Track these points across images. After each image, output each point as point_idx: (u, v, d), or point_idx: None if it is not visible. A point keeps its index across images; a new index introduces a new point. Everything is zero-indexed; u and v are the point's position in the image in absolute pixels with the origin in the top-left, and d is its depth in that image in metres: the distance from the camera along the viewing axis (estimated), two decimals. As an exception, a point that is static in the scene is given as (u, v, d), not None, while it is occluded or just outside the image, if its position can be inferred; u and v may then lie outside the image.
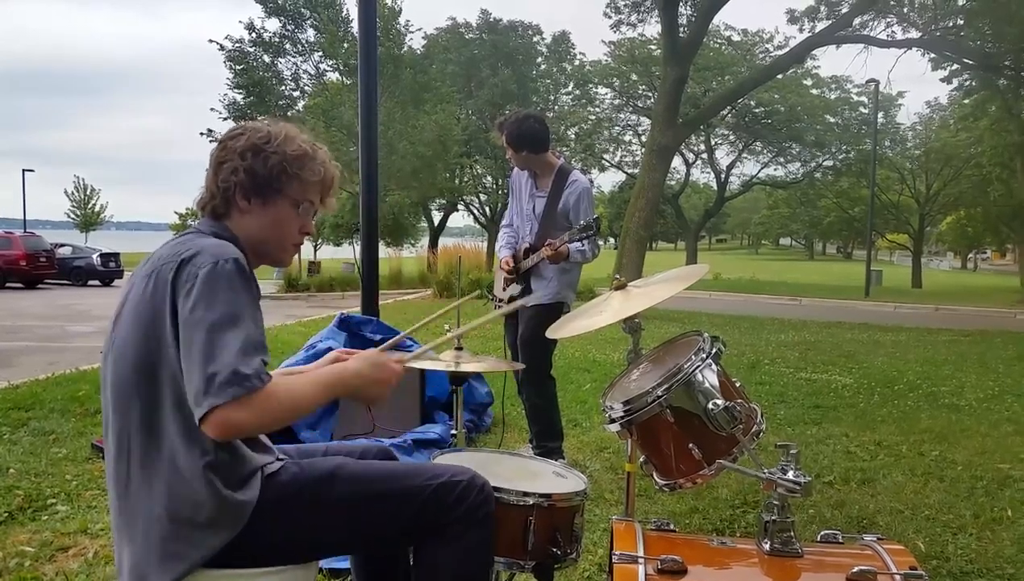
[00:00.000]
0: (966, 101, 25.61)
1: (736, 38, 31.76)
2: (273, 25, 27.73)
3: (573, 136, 34.08)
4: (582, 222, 3.79)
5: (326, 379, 1.70)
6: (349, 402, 4.09)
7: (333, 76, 27.98)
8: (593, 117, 34.97)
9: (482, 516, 1.78)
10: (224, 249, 1.60)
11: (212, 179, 1.76)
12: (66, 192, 50.16)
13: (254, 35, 27.65)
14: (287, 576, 1.72)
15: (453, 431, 2.62)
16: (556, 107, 35.17)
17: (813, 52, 19.93)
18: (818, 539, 1.85)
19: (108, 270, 25.58)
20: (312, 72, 28.83)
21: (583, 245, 3.92)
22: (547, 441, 4.15)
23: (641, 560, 1.67)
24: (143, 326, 1.59)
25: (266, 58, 28.14)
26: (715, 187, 40.41)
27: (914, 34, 18.04)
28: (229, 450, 1.61)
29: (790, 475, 1.73)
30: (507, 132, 4.07)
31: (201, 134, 27.08)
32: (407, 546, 1.90)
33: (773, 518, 1.74)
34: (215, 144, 1.81)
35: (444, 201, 33.37)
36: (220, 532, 1.59)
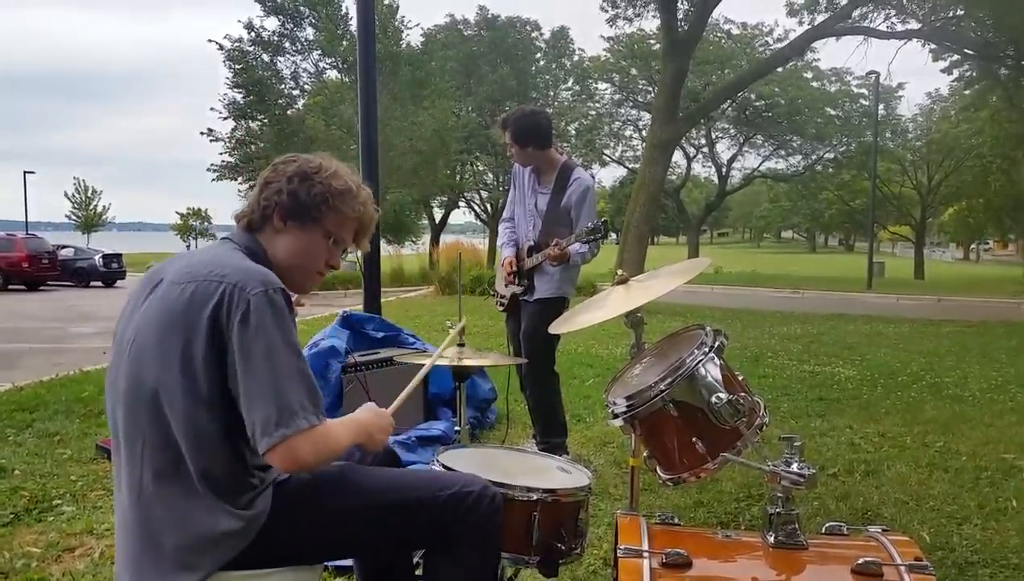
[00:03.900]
0: (967, 92, 25.50)
1: (735, 31, 31.62)
2: (272, 24, 27.68)
3: (573, 132, 34.01)
4: (590, 225, 3.76)
5: (352, 426, 1.75)
6: (352, 400, 4.11)
7: (332, 74, 27.96)
8: (593, 112, 34.89)
9: (492, 527, 1.79)
10: (269, 276, 1.63)
11: (256, 196, 1.81)
12: (66, 194, 50.27)
13: (253, 34, 27.59)
14: (292, 576, 1.73)
15: (457, 427, 2.63)
16: (556, 103, 35.06)
17: (813, 44, 19.87)
18: (823, 531, 1.86)
19: (110, 271, 25.61)
20: (311, 70, 28.74)
21: (583, 247, 3.92)
22: (551, 437, 4.15)
23: (646, 554, 1.67)
24: (168, 335, 1.58)
25: (265, 57, 28.04)
26: (716, 181, 40.32)
27: (914, 25, 17.94)
28: (241, 472, 1.62)
29: (794, 467, 1.73)
30: (512, 128, 4.02)
31: (201, 134, 27.05)
32: (415, 552, 1.91)
33: (777, 511, 1.74)
34: (268, 168, 1.85)
35: (445, 198, 33.35)
36: (232, 544, 1.60)
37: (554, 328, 2.38)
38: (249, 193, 1.89)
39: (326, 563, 2.70)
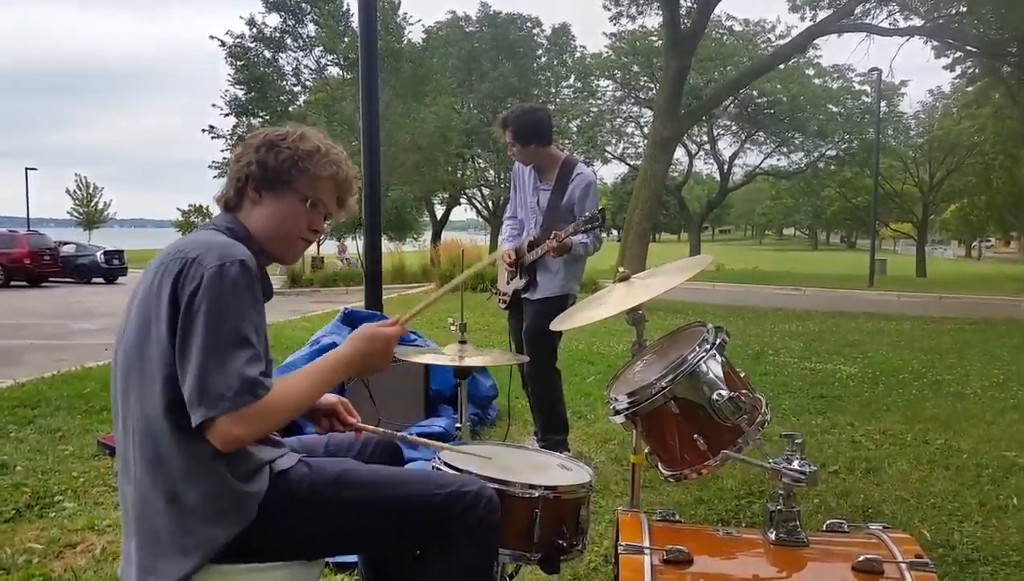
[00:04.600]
0: (969, 89, 25.46)
1: (738, 28, 31.66)
2: (273, 20, 27.72)
3: (575, 129, 34.01)
4: (587, 214, 3.76)
5: (324, 368, 1.73)
6: (353, 397, 4.11)
7: (334, 71, 27.98)
8: (595, 109, 34.88)
9: (488, 527, 1.78)
10: (232, 250, 1.60)
11: (229, 174, 1.82)
12: (68, 190, 50.31)
13: (255, 30, 27.62)
14: (294, 571, 1.73)
15: (458, 425, 2.62)
16: (557, 100, 35.11)
17: (815, 41, 19.85)
18: (824, 528, 1.85)
19: (112, 268, 25.62)
20: (313, 67, 28.80)
21: (585, 238, 3.91)
22: (552, 434, 4.15)
23: (647, 551, 1.67)
24: (146, 318, 1.61)
25: (267, 53, 28.10)
26: (718, 178, 40.34)
27: (916, 22, 17.93)
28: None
29: (795, 465, 1.73)
30: (513, 127, 4.00)
31: (203, 131, 27.13)
32: (413, 550, 1.91)
33: (778, 508, 1.74)
34: (238, 144, 1.86)
35: (447, 195, 33.37)
36: (227, 525, 1.59)
37: (555, 325, 2.38)
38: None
39: (327, 559, 2.71)
